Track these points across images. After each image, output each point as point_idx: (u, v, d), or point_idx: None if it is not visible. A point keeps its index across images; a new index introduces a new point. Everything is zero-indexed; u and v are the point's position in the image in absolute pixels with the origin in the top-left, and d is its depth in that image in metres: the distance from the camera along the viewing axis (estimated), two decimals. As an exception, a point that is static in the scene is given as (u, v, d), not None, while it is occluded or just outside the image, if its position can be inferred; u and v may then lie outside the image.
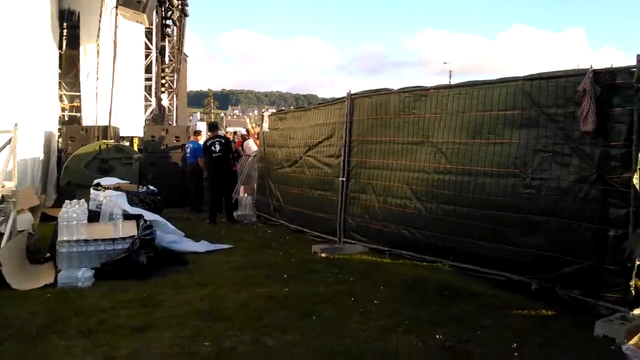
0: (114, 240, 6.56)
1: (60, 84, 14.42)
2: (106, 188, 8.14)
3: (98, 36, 13.48)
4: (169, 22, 26.07)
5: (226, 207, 10.57)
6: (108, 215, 7.38)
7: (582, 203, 4.78)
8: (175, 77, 27.77)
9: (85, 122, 13.98)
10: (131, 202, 7.95)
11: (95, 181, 8.63)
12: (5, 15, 10.78)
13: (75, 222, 6.44)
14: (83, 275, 6.02)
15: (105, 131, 12.48)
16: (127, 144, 13.84)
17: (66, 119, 14.63)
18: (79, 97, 14.66)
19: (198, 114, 58.91)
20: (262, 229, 9.85)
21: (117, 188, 8.10)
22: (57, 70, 14.06)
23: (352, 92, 7.53)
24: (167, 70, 26.44)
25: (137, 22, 13.12)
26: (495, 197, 5.57)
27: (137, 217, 7.43)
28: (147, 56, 16.67)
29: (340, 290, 5.62)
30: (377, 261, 6.92)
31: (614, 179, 4.54)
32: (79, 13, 14.20)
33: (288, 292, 5.60)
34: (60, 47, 14.25)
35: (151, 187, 9.09)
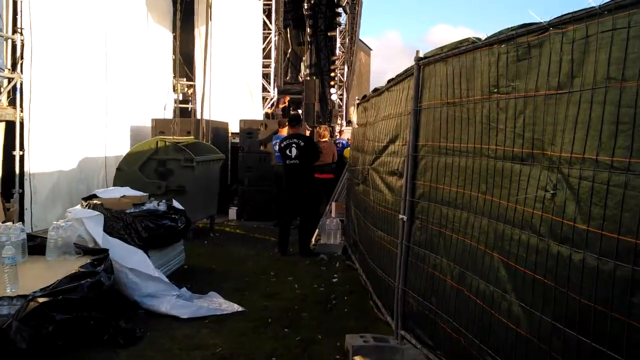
0: (-2, 299, 4.07)
1: (175, 72, 12.87)
2: (98, 203, 5.76)
3: (209, 17, 11.44)
4: (339, 9, 23.95)
5: (299, 233, 7.56)
6: (57, 248, 5.00)
7: None
8: (346, 70, 25.54)
9: (200, 115, 12.20)
10: (109, 230, 5.45)
11: (96, 191, 6.33)
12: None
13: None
14: None
15: (197, 125, 10.42)
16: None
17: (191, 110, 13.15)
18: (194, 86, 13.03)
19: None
20: (332, 272, 6.65)
21: (96, 205, 5.64)
22: (171, 57, 12.49)
23: (423, 55, 3.91)
24: (337, 62, 24.38)
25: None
26: None
27: (99, 254, 4.95)
28: (265, 39, 14.22)
29: None
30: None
31: None
32: (194, -8, 12.45)
33: None
34: (173, 31, 12.65)
35: (175, 204, 6.52)
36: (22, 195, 7.85)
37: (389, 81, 4.88)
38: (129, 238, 5.52)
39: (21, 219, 7.85)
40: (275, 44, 14.31)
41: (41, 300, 3.99)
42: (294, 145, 7.32)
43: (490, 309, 2.93)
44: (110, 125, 10.01)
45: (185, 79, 13.68)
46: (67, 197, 8.94)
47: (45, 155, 8.32)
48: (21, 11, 7.56)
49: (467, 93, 3.31)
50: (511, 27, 2.81)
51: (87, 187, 9.40)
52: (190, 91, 14.01)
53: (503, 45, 2.89)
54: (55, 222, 5.02)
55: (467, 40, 3.28)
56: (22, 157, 7.81)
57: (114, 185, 8.55)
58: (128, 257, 5.24)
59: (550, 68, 2.50)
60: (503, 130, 2.91)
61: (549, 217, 2.46)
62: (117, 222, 5.54)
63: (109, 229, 5.46)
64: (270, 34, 14.28)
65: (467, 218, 3.29)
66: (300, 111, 21.21)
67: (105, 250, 5.04)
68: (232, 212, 10.54)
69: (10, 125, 7.78)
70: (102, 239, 5.26)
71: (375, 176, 5.08)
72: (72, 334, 4.12)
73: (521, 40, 2.73)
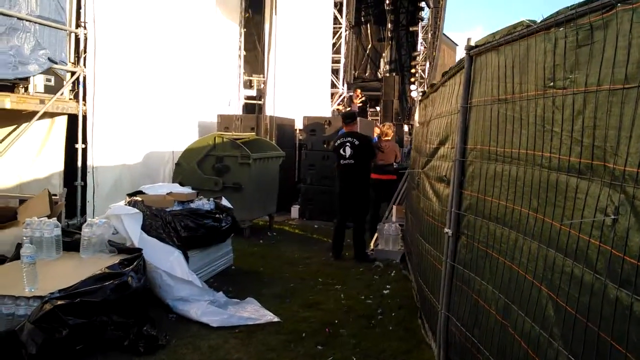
0: (16, 298, 3.97)
1: (246, 67, 12.77)
2: (138, 200, 5.62)
3: (274, 10, 11.20)
4: (422, 4, 23.08)
5: (354, 238, 7.11)
6: (91, 245, 4.89)
7: None
8: (428, 66, 24.58)
9: (271, 112, 12.01)
10: (147, 228, 5.28)
11: (142, 187, 6.20)
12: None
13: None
14: None
15: (257, 122, 10.23)
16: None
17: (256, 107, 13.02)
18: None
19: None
20: (384, 282, 6.16)
21: (137, 202, 5.49)
22: (237, 52, 12.38)
23: (475, 43, 3.35)
24: (418, 58, 23.54)
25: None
26: None
27: (133, 254, 4.80)
28: (335, 34, 13.72)
29: None
30: None
31: None
32: (263, -15, 12.25)
33: None
34: (244, 26, 12.54)
35: (224, 202, 6.30)
36: (84, 188, 7.95)
37: (443, 74, 4.32)
38: (167, 237, 5.32)
39: (83, 211, 7.96)
40: (345, 39, 13.84)
41: (57, 302, 3.83)
42: (348, 144, 6.88)
43: (535, 356, 2.37)
44: (178, 120, 10.01)
45: (262, 75, 13.58)
46: (131, 190, 8.97)
47: (109, 149, 8.40)
48: (84, 5, 7.61)
49: (520, 88, 2.73)
50: (571, 6, 2.22)
51: (152, 181, 9.39)
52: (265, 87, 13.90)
53: (561, 29, 2.31)
54: (89, 219, 4.90)
55: (520, 24, 2.70)
56: (84, 150, 7.89)
57: (174, 180, 8.51)
58: (163, 257, 5.05)
59: (616, 56, 1.91)
60: (559, 134, 2.33)
61: (608, 250, 1.89)
62: (155, 220, 5.35)
63: (147, 227, 5.29)
64: (340, 28, 13.83)
65: (515, 239, 2.73)
66: (378, 108, 20.60)
67: (139, 250, 4.87)
68: (295, 211, 10.27)
69: (73, 119, 7.88)
70: (139, 238, 5.09)
71: (426, 182, 4.55)
72: (89, 339, 3.93)
73: (582, 21, 2.14)
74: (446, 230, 3.57)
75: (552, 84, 2.39)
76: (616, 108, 1.90)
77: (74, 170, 7.93)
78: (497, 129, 2.99)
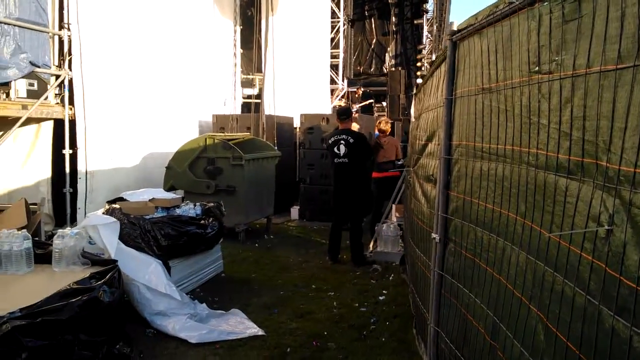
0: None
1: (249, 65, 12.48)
2: (116, 207, 5.33)
3: (271, 7, 10.89)
4: (426, -5, 22.67)
5: (351, 240, 6.77)
6: (63, 257, 4.59)
7: None
8: (434, 58, 24.21)
9: (269, 111, 11.69)
10: (125, 237, 4.99)
11: (123, 194, 5.91)
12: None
13: None
14: None
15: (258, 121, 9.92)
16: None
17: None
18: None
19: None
20: (381, 287, 5.81)
21: (114, 210, 5.20)
22: (232, 50, 12.08)
23: (457, 27, 2.99)
24: (424, 51, 23.14)
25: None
26: None
27: (107, 266, 4.50)
28: (334, 28, 13.38)
29: None
30: None
31: None
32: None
33: None
34: (246, 24, 12.24)
35: (211, 205, 5.98)
36: (73, 195, 7.70)
37: (430, 64, 3.96)
38: (147, 247, 5.02)
39: (74, 219, 7.71)
40: (344, 34, 13.47)
41: (16, 323, 3.54)
42: (342, 142, 6.53)
43: (525, 387, 2.02)
44: (177, 120, 9.75)
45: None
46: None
47: (104, 153, 8.15)
48: (68, 6, 7.34)
49: (504, 75, 2.39)
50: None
51: (151, 185, 9.10)
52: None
53: (545, 3, 1.96)
54: (60, 230, 4.61)
55: (502, 1, 2.35)
56: (72, 156, 7.64)
57: (164, 184, 8.22)
58: (141, 269, 4.75)
59: (607, 30, 1.57)
60: (546, 127, 1.98)
61: (602, 267, 1.54)
62: (134, 229, 5.06)
63: (125, 237, 4.99)
64: (338, 22, 13.46)
65: (503, 248, 2.38)
66: (384, 103, 20.23)
67: (114, 262, 4.56)
68: (294, 212, 9.95)
69: (61, 123, 7.62)
70: (116, 249, 4.80)
71: (415, 181, 4.21)
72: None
73: (569, -8, 1.79)
74: (434, 235, 3.23)
75: (537, 68, 2.05)
76: (608, 93, 1.55)
77: (63, 176, 7.68)
78: (482, 122, 2.64)
